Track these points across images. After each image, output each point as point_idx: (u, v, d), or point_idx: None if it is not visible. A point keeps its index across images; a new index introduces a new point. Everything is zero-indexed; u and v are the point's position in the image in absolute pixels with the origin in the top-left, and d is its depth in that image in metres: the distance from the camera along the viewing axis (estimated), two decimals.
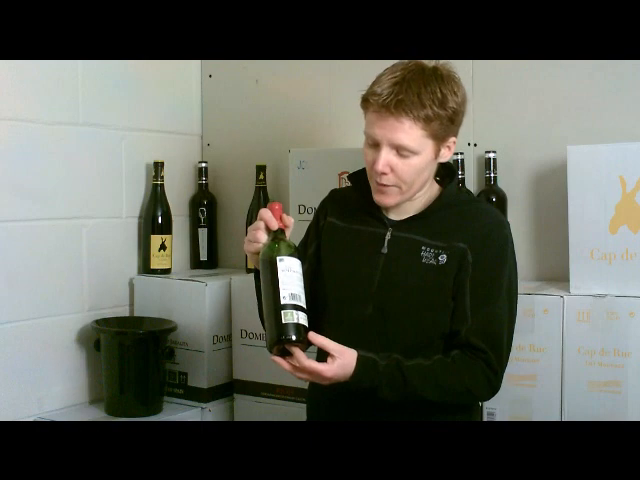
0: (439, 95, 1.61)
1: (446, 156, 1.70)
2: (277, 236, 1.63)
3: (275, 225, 1.64)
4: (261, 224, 1.64)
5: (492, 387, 1.68)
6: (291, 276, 1.58)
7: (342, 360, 1.59)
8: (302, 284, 1.60)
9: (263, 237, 1.63)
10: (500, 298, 1.67)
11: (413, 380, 1.62)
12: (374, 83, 1.65)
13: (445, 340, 1.69)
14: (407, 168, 1.64)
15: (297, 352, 1.57)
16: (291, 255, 1.61)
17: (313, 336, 1.58)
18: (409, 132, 1.60)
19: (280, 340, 1.55)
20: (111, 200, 2.58)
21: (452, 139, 1.69)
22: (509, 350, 1.70)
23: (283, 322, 1.55)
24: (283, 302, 1.56)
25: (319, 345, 1.58)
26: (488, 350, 1.65)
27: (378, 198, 1.70)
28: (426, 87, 1.60)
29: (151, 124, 2.71)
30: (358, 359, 1.60)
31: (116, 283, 2.60)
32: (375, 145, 1.65)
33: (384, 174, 1.64)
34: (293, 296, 1.57)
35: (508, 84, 2.36)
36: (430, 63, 1.66)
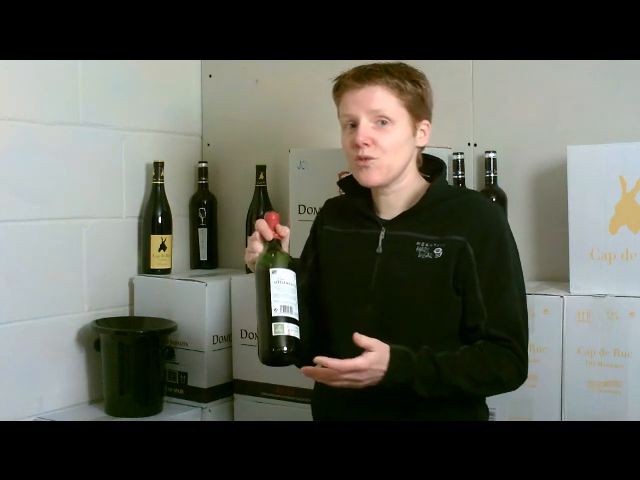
0: (405, 71, 1.70)
1: (423, 141, 1.75)
2: (272, 247, 1.63)
3: (269, 236, 1.64)
4: (257, 234, 1.66)
5: (521, 374, 1.69)
6: (283, 288, 1.57)
7: (377, 352, 1.57)
8: (295, 296, 1.59)
9: (259, 247, 1.65)
10: (510, 286, 1.69)
11: (445, 370, 1.62)
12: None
13: (462, 338, 1.69)
14: (387, 137, 1.68)
15: (326, 360, 1.55)
16: (285, 266, 1.60)
17: (357, 337, 1.55)
18: (384, 100, 1.68)
19: (271, 352, 1.54)
20: (111, 200, 2.58)
21: (426, 122, 1.74)
22: (527, 336, 1.71)
23: (274, 334, 1.54)
24: (274, 314, 1.55)
25: (364, 345, 1.56)
26: (511, 338, 1.66)
27: (363, 177, 1.71)
28: (392, 66, 1.70)
29: (151, 124, 2.70)
30: (391, 351, 1.59)
31: (116, 283, 2.60)
32: (353, 125, 1.70)
33: (365, 145, 1.67)
34: (284, 308, 1.56)
35: (508, 84, 2.35)
36: None
